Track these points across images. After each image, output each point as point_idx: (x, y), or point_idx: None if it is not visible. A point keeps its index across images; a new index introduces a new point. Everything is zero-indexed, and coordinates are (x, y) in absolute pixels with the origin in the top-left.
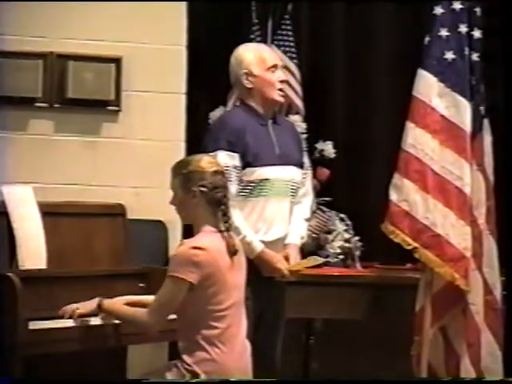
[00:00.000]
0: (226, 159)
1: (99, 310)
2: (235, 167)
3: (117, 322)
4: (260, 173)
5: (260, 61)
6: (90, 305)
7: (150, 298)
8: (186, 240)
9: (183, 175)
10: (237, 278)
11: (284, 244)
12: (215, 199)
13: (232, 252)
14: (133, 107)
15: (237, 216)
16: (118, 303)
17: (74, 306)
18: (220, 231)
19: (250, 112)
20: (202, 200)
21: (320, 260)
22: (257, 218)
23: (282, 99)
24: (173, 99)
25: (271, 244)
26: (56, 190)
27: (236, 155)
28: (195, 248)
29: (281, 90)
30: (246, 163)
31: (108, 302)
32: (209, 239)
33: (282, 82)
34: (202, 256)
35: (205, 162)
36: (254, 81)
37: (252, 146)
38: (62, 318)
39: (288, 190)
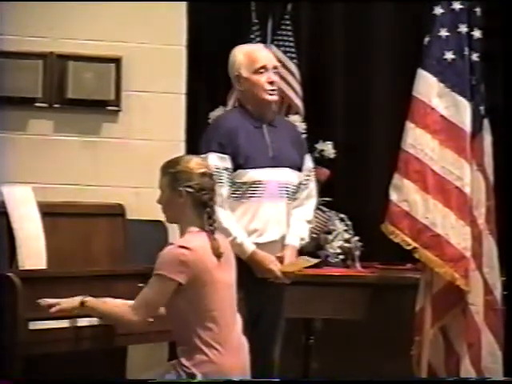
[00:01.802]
0: (217, 161)
1: (82, 308)
2: (226, 169)
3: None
4: (251, 175)
5: (249, 63)
6: (72, 301)
7: None
8: (174, 241)
9: (171, 174)
10: (226, 277)
11: (283, 245)
12: (201, 201)
13: (216, 254)
14: (133, 107)
15: (228, 217)
16: (101, 301)
17: (57, 300)
18: (205, 231)
19: (244, 114)
20: (187, 201)
21: (312, 261)
22: (250, 219)
23: (272, 98)
24: (173, 99)
25: (266, 246)
26: (56, 190)
27: (227, 157)
28: (182, 247)
29: (272, 90)
30: (238, 165)
31: (91, 300)
32: (196, 239)
33: (271, 83)
34: (189, 255)
35: (193, 163)
36: (244, 83)
37: (243, 147)
38: (61, 318)
39: (283, 192)
